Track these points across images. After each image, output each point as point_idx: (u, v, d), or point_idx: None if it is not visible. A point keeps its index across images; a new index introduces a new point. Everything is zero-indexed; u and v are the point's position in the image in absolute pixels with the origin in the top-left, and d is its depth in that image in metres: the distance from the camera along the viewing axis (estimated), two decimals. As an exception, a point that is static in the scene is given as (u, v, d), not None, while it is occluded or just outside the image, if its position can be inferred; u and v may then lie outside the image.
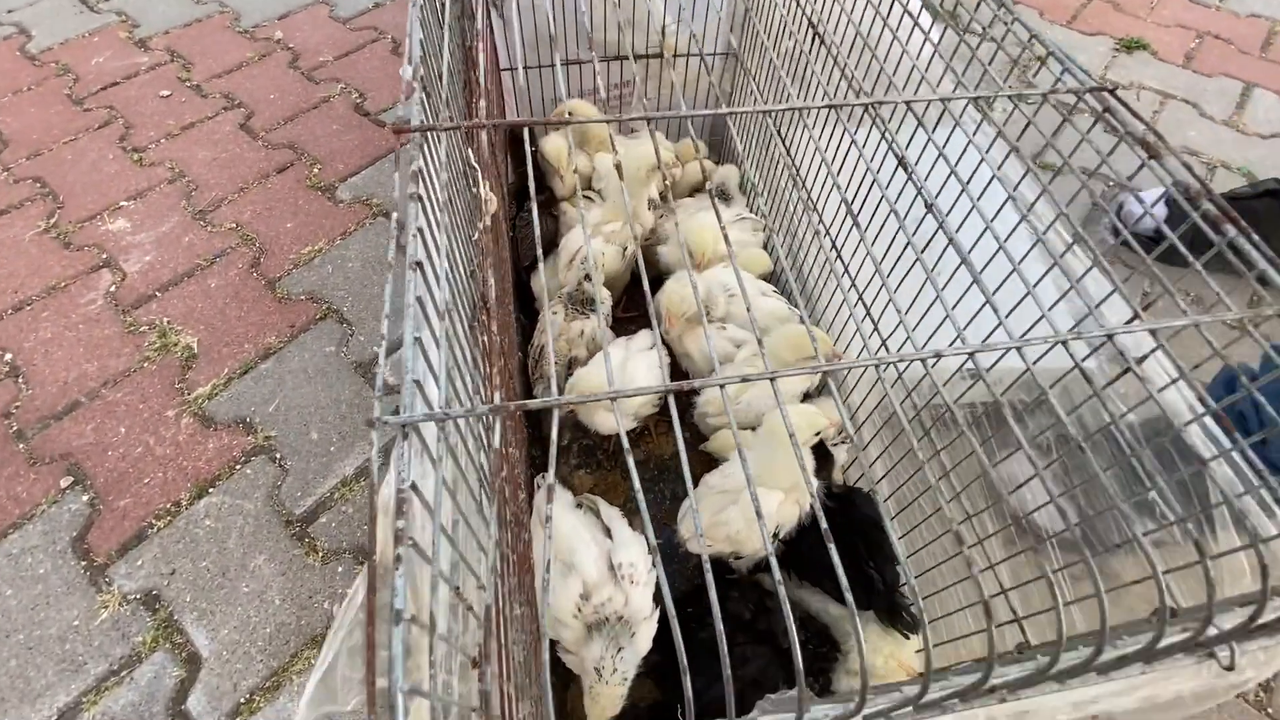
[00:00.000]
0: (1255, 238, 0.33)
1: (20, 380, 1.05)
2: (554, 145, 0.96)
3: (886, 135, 0.49)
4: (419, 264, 0.29)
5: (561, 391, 0.85)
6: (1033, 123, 0.46)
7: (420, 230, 0.30)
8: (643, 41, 0.99)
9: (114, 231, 1.26)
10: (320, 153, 1.39)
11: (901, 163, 0.47)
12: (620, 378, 0.77)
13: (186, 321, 1.12)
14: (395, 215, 0.30)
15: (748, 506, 0.67)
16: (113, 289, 1.17)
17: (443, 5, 0.49)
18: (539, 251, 0.41)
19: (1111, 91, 0.39)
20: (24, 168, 1.37)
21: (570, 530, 0.64)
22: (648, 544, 0.65)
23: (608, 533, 0.68)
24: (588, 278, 0.83)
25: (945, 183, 0.53)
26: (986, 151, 0.52)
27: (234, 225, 1.27)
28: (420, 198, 0.32)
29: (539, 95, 1.07)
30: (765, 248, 1.01)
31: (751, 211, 1.05)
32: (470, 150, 0.62)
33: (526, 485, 0.74)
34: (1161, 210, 1.20)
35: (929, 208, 0.51)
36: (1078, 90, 0.39)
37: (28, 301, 1.15)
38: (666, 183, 0.50)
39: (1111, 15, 1.81)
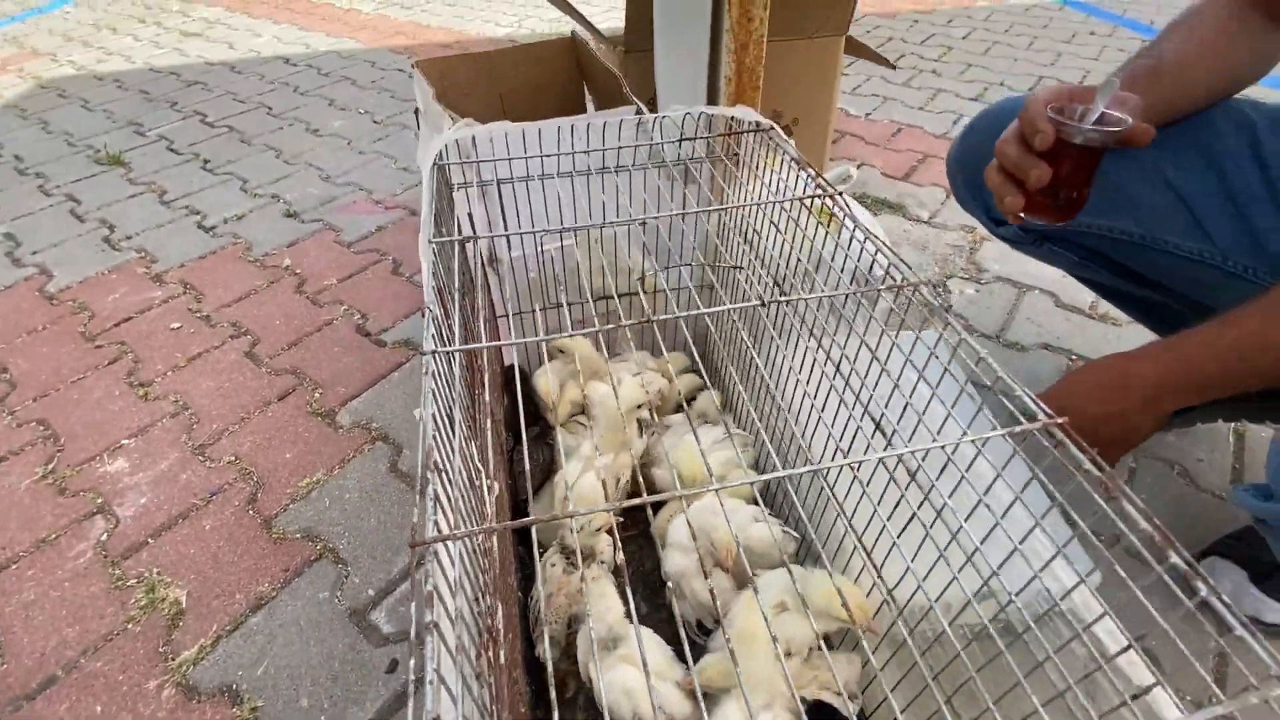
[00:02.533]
0: (1225, 598, 0.35)
1: (-5, 653, 1.00)
2: (544, 385, 1.01)
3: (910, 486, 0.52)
4: (437, 723, 0.29)
5: (565, 649, 0.82)
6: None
7: (438, 674, 0.31)
8: (624, 282, 1.08)
9: (112, 473, 1.27)
10: (322, 376, 1.45)
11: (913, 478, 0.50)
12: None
13: (177, 571, 1.10)
14: (413, 663, 0.31)
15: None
16: (104, 538, 1.16)
17: (449, 363, 0.54)
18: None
19: (1061, 425, 0.43)
20: (29, 410, 1.41)
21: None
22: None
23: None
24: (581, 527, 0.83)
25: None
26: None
27: (233, 458, 1.28)
28: (436, 626, 0.33)
29: (530, 331, 1.14)
30: (756, 464, 1.03)
31: (739, 426, 1.09)
32: (475, 446, 0.65)
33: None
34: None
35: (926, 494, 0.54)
36: (1030, 428, 0.43)
37: (15, 559, 1.13)
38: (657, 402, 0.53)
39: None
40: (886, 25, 3.31)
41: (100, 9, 4.46)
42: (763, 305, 0.55)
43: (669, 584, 0.88)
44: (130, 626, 1.03)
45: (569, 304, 1.10)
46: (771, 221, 0.90)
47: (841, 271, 0.66)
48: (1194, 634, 0.38)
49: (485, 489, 0.61)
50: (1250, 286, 0.88)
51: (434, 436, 0.43)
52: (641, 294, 1.10)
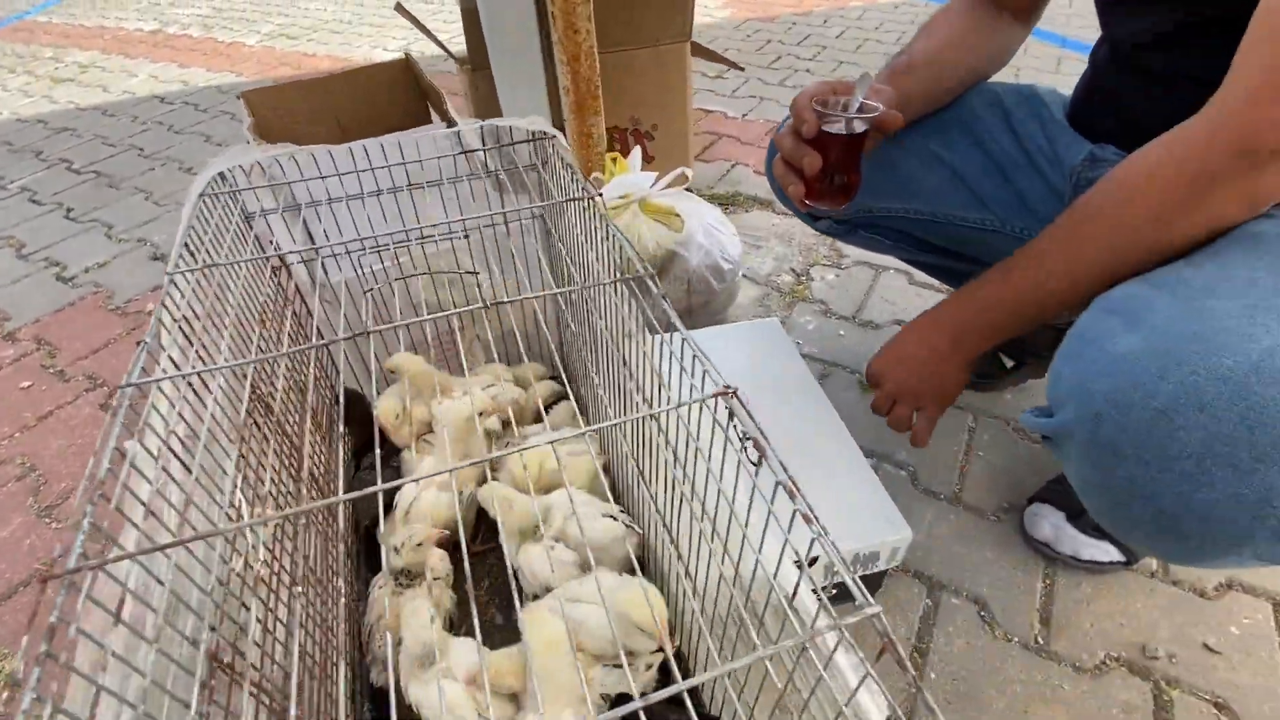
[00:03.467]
0: (862, 584, 0.37)
1: None
2: (384, 408, 1.00)
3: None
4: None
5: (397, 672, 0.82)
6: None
7: (37, 700, 0.31)
8: (460, 296, 1.08)
9: (-53, 547, 1.19)
10: (182, 422, 1.40)
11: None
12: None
13: (16, 640, 1.04)
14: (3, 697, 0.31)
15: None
16: (-66, 617, 1.08)
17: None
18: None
19: (735, 393, 0.45)
20: None
21: None
22: None
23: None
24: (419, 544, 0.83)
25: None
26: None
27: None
28: (51, 657, 0.33)
29: (367, 354, 1.13)
30: (607, 467, 1.05)
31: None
32: (241, 478, 0.64)
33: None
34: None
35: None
36: (703, 399, 0.46)
37: None
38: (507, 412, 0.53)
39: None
40: (766, 29, 3.43)
41: (-37, 59, 4.21)
42: (485, 308, 0.57)
43: (509, 562, 0.88)
44: (-42, 707, 0.97)
45: (393, 327, 1.10)
46: (605, 221, 0.90)
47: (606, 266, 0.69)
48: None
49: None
50: None
51: (107, 470, 0.43)
52: (482, 304, 1.11)
